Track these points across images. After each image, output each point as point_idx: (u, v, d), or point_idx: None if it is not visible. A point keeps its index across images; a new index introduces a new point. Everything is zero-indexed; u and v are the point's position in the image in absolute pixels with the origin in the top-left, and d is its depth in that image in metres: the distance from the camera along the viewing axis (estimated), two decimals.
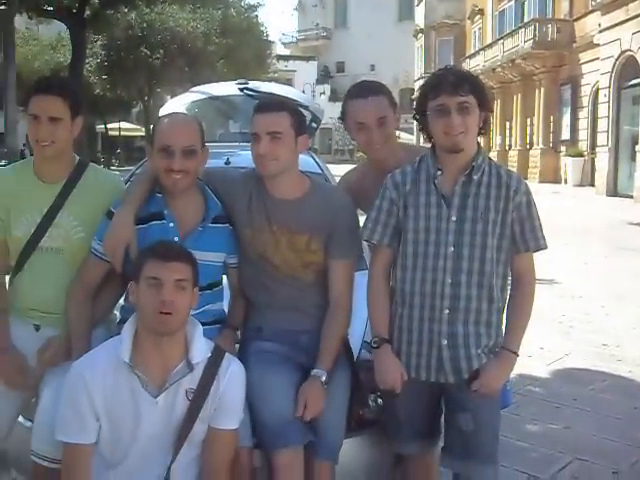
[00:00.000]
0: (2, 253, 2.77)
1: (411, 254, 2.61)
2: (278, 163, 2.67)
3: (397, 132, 3.03)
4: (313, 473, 2.56)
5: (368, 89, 2.89)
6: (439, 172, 2.59)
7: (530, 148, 30.63)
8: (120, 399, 2.29)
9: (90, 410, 2.26)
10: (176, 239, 2.65)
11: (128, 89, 33.34)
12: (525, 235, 2.59)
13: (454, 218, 2.55)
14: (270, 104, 2.77)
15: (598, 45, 23.14)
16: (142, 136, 38.32)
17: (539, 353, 6.01)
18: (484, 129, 2.62)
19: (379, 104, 2.84)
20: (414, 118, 2.68)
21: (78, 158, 2.81)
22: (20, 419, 2.82)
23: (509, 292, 2.68)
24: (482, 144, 2.72)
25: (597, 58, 23.40)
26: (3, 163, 9.52)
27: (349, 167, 3.40)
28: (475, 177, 2.56)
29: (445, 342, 2.57)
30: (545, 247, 2.63)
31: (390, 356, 2.65)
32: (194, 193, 2.75)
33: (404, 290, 2.63)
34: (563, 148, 27.44)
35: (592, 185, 23.67)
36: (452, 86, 2.48)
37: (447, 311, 2.56)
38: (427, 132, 2.62)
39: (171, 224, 2.68)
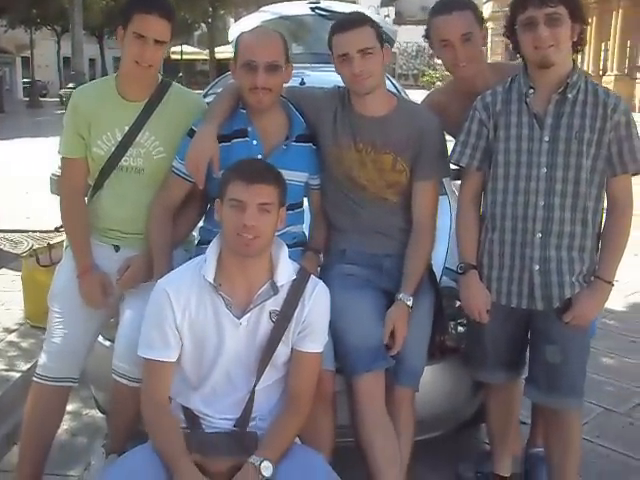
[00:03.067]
0: (83, 172, 2.75)
1: (502, 176, 2.52)
2: (373, 79, 2.61)
3: None
4: (394, 399, 2.55)
5: (453, 4, 2.75)
6: (531, 91, 2.47)
7: (603, 74, 29.45)
8: (204, 319, 2.26)
9: (173, 327, 2.25)
10: (259, 157, 2.60)
11: (192, 11, 32.99)
12: (623, 156, 2.45)
13: (547, 138, 2.45)
14: (352, 20, 2.65)
15: None
16: (204, 60, 38.19)
17: (615, 286, 5.79)
18: (580, 44, 2.48)
19: (464, 19, 2.71)
20: (504, 35, 2.56)
21: (161, 77, 2.74)
22: (99, 338, 2.86)
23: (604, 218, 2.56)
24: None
25: None
26: (71, 85, 9.54)
27: (413, 92, 3.26)
28: (570, 95, 2.43)
29: (537, 267, 2.48)
30: None
31: (477, 283, 2.59)
32: (278, 110, 2.69)
33: (495, 214, 2.55)
34: (639, 75, 26.29)
35: None
36: None
37: (539, 235, 2.47)
38: (518, 49, 2.50)
39: (254, 142, 2.63)
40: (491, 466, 2.93)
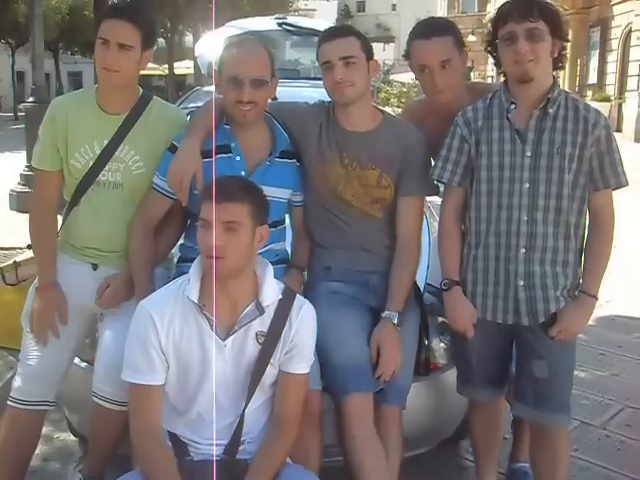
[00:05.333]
0: (57, 186, 2.66)
1: (485, 192, 2.51)
2: (355, 88, 2.59)
3: None
4: (381, 418, 2.50)
5: (433, 29, 2.72)
6: (512, 106, 2.48)
7: None
8: (188, 340, 2.19)
9: (158, 350, 2.17)
10: (243, 173, 2.56)
11: None
12: (604, 171, 2.47)
13: (529, 153, 2.45)
14: (337, 30, 2.70)
15: None
16: (160, 75, 37.83)
17: None
18: (560, 61, 2.50)
19: (443, 45, 2.68)
20: (486, 50, 2.57)
21: (142, 91, 2.68)
22: (75, 360, 2.78)
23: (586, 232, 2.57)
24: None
25: None
26: (31, 100, 9.30)
27: None
28: (551, 110, 2.44)
29: (522, 283, 2.48)
30: (626, 184, 2.50)
31: (462, 299, 2.58)
32: (261, 125, 2.65)
33: (479, 230, 2.54)
34: (589, 92, 26.86)
35: (618, 131, 23.21)
36: (520, 12, 2.37)
37: (523, 250, 2.47)
38: (500, 64, 2.51)
39: (238, 158, 2.59)
40: None
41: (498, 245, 2.50)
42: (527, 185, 2.45)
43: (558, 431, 2.60)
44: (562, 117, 2.45)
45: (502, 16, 2.42)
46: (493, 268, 2.52)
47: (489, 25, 2.54)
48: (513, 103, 2.48)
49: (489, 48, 2.53)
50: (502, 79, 2.60)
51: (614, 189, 2.51)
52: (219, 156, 2.56)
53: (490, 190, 2.50)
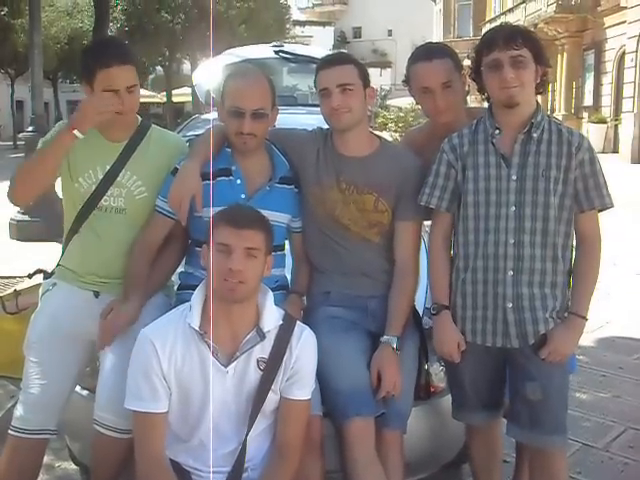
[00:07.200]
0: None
1: (472, 217, 2.55)
2: (352, 115, 2.63)
3: None
4: (382, 442, 2.50)
5: (432, 51, 2.79)
6: (497, 131, 2.52)
7: (551, 114, 30.02)
8: (190, 367, 2.21)
9: (160, 377, 2.20)
10: (242, 196, 2.60)
11: (148, 55, 33.00)
12: (589, 192, 2.50)
13: (514, 177, 2.49)
14: (335, 58, 2.74)
15: (625, 8, 22.60)
16: (158, 103, 38.11)
17: None
18: (542, 86, 2.55)
19: (444, 67, 2.74)
20: (470, 77, 2.64)
21: (140, 119, 2.73)
22: (76, 388, 2.78)
23: (574, 254, 2.59)
24: None
25: (623, 22, 22.87)
26: (31, 129, 9.37)
27: None
28: (535, 135, 2.49)
29: (510, 305, 2.49)
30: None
31: (449, 324, 2.59)
32: (262, 152, 2.71)
33: (467, 254, 2.57)
34: (585, 114, 27.04)
35: (615, 152, 23.33)
36: (504, 40, 2.43)
37: (511, 272, 2.49)
38: (484, 90, 2.57)
39: (238, 181, 2.64)
40: None
41: (486, 268, 2.52)
42: (513, 208, 2.48)
43: (555, 453, 2.58)
44: (546, 140, 2.49)
45: (486, 44, 2.47)
46: (481, 291, 2.54)
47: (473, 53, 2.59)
48: (498, 128, 2.52)
49: (473, 75, 2.58)
50: (487, 104, 2.64)
51: (599, 210, 2.54)
52: (220, 179, 2.61)
53: (477, 214, 2.53)
